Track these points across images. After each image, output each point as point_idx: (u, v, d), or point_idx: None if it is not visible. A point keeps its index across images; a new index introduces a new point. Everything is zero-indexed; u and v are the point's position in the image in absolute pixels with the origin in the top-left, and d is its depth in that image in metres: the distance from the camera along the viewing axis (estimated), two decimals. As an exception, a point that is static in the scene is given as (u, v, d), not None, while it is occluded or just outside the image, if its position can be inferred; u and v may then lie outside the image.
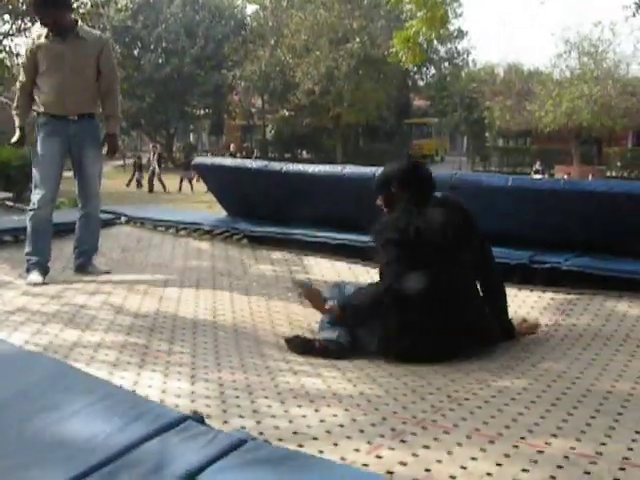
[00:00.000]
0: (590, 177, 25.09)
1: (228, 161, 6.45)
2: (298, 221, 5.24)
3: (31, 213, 4.38)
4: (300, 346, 2.90)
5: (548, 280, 3.94)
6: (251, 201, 5.68)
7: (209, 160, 6.86)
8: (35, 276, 4.19)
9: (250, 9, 39.88)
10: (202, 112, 42.49)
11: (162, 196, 21.70)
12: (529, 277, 4.00)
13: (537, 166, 28.07)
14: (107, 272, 4.50)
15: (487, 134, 38.68)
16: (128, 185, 24.02)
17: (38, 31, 4.47)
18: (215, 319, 3.43)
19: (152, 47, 37.29)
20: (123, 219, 6.25)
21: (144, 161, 26.16)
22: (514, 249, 4.14)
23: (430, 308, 2.80)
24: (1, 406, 1.78)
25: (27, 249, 4.35)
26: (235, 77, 35.03)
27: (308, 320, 3.47)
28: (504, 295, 3.19)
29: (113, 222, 6.14)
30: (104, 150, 4.73)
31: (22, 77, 4.44)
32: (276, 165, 5.50)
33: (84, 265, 4.55)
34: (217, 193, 6.19)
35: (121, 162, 35.07)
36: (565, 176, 25.92)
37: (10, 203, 9.04)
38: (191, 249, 5.29)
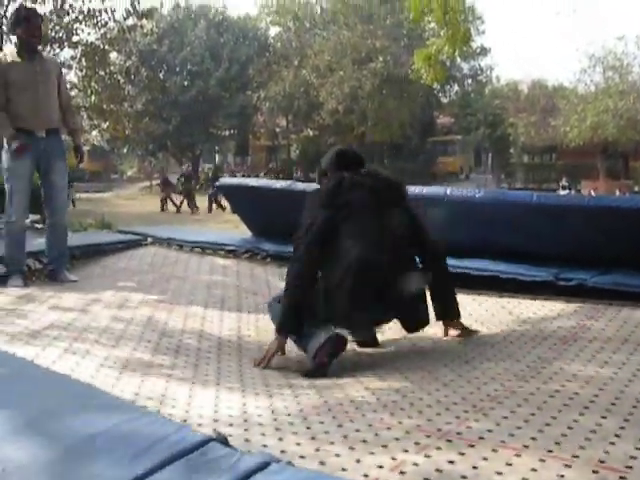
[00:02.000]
0: (617, 192, 24.84)
1: (252, 181, 6.49)
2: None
3: (9, 225, 4.71)
4: (315, 373, 2.89)
5: (574, 297, 3.90)
6: (275, 221, 5.70)
7: (233, 181, 6.91)
8: (17, 281, 4.58)
9: (273, 31, 40.33)
10: (227, 133, 42.90)
11: (189, 216, 21.89)
12: (555, 294, 3.96)
13: (564, 182, 27.87)
14: (75, 281, 4.80)
15: (512, 150, 38.47)
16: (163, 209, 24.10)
17: (6, 51, 4.81)
18: (240, 339, 3.45)
19: (177, 70, 37.83)
20: (149, 240, 6.31)
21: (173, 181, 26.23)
22: (539, 266, 4.11)
23: (360, 273, 2.91)
24: (27, 426, 1.80)
25: (6, 257, 4.72)
26: (260, 98, 35.34)
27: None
28: (444, 272, 3.28)
29: (139, 243, 6.21)
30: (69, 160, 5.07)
31: None
32: (300, 185, 5.52)
33: (55, 273, 4.86)
34: (241, 213, 6.23)
35: (147, 183, 35.46)
36: (592, 191, 25.66)
37: (39, 225, 9.15)
38: (216, 267, 5.34)
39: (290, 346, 3.11)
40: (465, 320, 3.58)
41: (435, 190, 4.79)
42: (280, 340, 3.02)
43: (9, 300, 4.08)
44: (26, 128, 4.64)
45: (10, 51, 4.87)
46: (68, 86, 17.91)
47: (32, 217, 11.20)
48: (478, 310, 3.81)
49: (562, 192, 26.21)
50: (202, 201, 24.57)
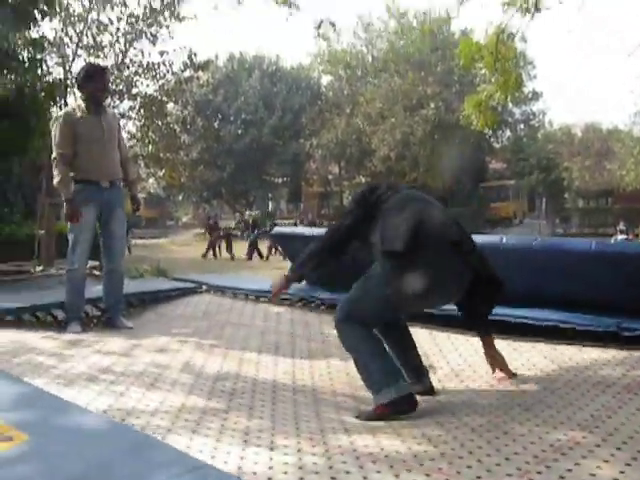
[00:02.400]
0: (678, 236, 24.18)
1: (305, 230, 6.55)
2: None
3: (70, 273, 4.88)
4: (371, 417, 2.86)
5: (638, 347, 3.79)
6: (329, 269, 5.72)
7: (287, 229, 6.99)
8: (75, 327, 4.73)
9: (325, 79, 40.99)
10: (280, 180, 43.48)
11: (242, 263, 22.07)
12: (617, 344, 3.85)
13: (621, 226, 27.26)
14: (131, 327, 4.89)
15: (566, 195, 37.97)
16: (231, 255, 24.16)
17: (73, 105, 4.98)
18: (294, 384, 3.45)
19: (232, 119, 38.68)
20: (204, 287, 6.40)
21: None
22: (601, 315, 4.02)
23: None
24: (82, 479, 1.83)
25: (67, 303, 4.87)
26: (312, 145, 35.78)
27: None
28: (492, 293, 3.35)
29: (194, 291, 6.30)
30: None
31: (59, 149, 4.77)
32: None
33: (112, 320, 4.99)
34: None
35: (201, 230, 36.01)
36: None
37: (97, 272, 9.39)
38: (270, 314, 5.36)
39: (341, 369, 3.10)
40: (522, 366, 3.53)
41: (491, 239, 4.75)
42: (289, 278, 3.35)
43: (64, 345, 4.19)
44: (92, 179, 4.83)
45: (78, 105, 5.09)
46: (127, 136, 18.65)
47: (90, 263, 11.54)
48: (536, 357, 3.73)
49: (620, 237, 25.65)
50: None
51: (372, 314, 3.06)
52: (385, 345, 3.15)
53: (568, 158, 32.98)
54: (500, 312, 4.31)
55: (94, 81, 4.91)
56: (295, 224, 32.75)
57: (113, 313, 5.03)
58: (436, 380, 3.40)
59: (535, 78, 39.39)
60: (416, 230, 2.96)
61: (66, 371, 3.47)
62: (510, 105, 34.77)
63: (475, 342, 4.06)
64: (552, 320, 4.13)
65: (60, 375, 3.38)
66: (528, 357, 3.72)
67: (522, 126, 42.22)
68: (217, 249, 24.49)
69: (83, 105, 4.94)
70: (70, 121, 4.81)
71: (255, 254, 23.43)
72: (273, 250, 23.28)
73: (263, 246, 23.84)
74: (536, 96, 40.17)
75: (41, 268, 11.46)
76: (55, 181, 4.82)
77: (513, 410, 2.79)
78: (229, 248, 24.00)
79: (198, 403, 2.98)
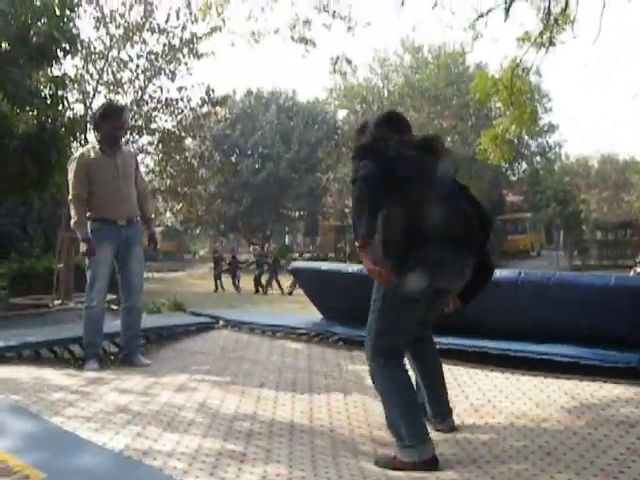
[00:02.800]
0: (699, 269, 23.89)
1: (323, 265, 6.56)
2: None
3: (89, 310, 4.89)
4: (389, 466, 2.83)
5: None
6: (346, 305, 5.71)
7: (305, 264, 7.00)
8: (93, 364, 4.73)
9: (341, 114, 41.24)
10: (297, 214, 43.59)
11: (260, 297, 22.05)
12: (638, 380, 3.80)
13: (639, 258, 26.98)
14: (148, 364, 4.90)
15: (584, 227, 37.76)
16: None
17: (89, 145, 5.07)
18: (312, 423, 3.42)
19: (249, 153, 38.99)
20: (221, 322, 6.40)
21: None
22: (621, 351, 3.97)
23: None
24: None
25: (85, 340, 4.89)
26: (329, 179, 35.89)
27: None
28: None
29: (211, 326, 6.30)
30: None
31: (75, 191, 4.82)
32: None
33: (129, 356, 5.01)
34: (313, 296, 6.27)
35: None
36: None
37: (115, 307, 9.42)
38: (288, 350, 5.34)
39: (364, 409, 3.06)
40: (541, 403, 3.49)
41: (508, 274, 4.72)
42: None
43: (82, 382, 4.18)
44: (109, 218, 4.87)
45: (92, 145, 5.11)
46: (145, 170, 18.84)
47: (108, 297, 11.60)
48: (557, 392, 3.68)
49: (639, 269, 25.38)
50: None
51: (396, 331, 2.98)
52: (417, 379, 3.15)
53: (585, 190, 32.90)
54: (521, 348, 4.30)
55: (111, 121, 4.94)
56: (312, 258, 32.83)
57: (130, 350, 5.04)
58: (455, 415, 3.37)
59: (551, 110, 39.38)
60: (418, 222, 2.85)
61: (83, 409, 3.46)
62: (526, 137, 34.78)
63: (494, 378, 4.03)
64: (572, 356, 4.08)
65: (78, 413, 3.36)
66: (549, 393, 3.68)
67: (538, 158, 42.17)
68: (219, 282, 24.43)
69: (97, 146, 4.97)
70: (84, 163, 4.85)
71: (272, 287, 23.30)
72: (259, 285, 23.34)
73: (283, 279, 23.81)
74: (552, 128, 40.18)
75: (59, 302, 11.55)
76: (72, 222, 4.86)
77: (534, 455, 2.74)
78: (234, 280, 23.89)
79: (215, 444, 2.95)
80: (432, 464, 2.78)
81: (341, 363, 4.79)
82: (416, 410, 2.97)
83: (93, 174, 4.83)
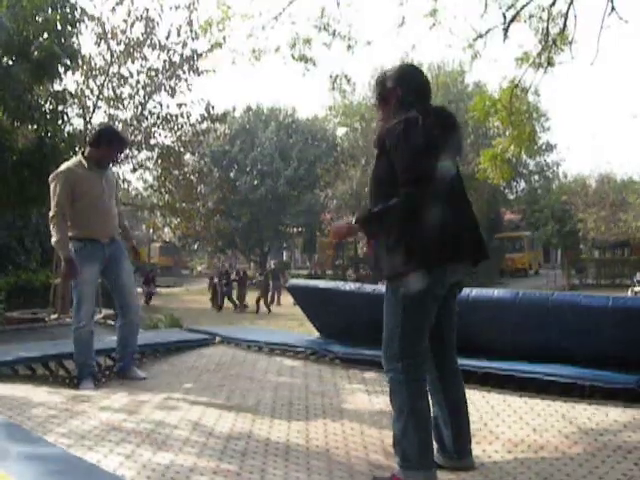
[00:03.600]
0: (696, 289, 23.93)
1: (320, 283, 6.54)
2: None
3: (78, 331, 4.81)
4: None
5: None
6: (344, 323, 5.70)
7: (302, 282, 6.98)
8: (88, 383, 4.71)
9: (341, 131, 41.38)
10: (295, 230, 43.61)
11: (254, 314, 22.00)
12: (637, 401, 3.78)
13: (638, 277, 27.02)
14: (144, 378, 4.94)
15: (582, 246, 37.79)
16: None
17: (74, 162, 4.90)
18: (308, 444, 3.39)
19: (248, 169, 39.05)
20: (217, 339, 6.38)
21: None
22: (619, 372, 3.95)
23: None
24: None
25: (78, 360, 4.85)
26: (327, 196, 35.94)
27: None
28: None
29: (208, 342, 6.27)
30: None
31: (59, 208, 4.64)
32: (368, 287, 5.54)
33: (124, 370, 5.02)
34: (310, 315, 6.25)
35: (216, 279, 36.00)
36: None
37: (112, 322, 9.40)
38: (284, 368, 5.31)
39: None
40: (538, 428, 3.46)
41: (507, 294, 4.72)
42: (355, 228, 2.88)
43: (76, 400, 4.15)
44: (93, 237, 4.81)
45: (79, 160, 4.89)
46: (144, 185, 18.86)
47: (105, 312, 11.57)
48: (554, 416, 3.66)
49: (637, 288, 25.41)
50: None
51: (416, 332, 2.82)
52: (435, 410, 2.98)
53: (583, 209, 32.95)
54: (517, 368, 4.28)
55: (114, 146, 4.94)
56: (309, 275, 32.77)
57: (126, 363, 5.04)
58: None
59: (549, 130, 39.55)
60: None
61: (77, 427, 3.44)
62: (524, 157, 34.89)
63: (491, 399, 4.01)
64: (569, 377, 4.07)
65: (71, 431, 3.35)
66: (546, 417, 3.65)
67: (536, 177, 42.35)
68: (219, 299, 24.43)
69: (85, 162, 4.83)
70: (72, 178, 4.72)
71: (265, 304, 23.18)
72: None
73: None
74: (550, 148, 40.36)
75: (56, 316, 11.51)
76: (53, 240, 4.68)
77: (531, 481, 2.71)
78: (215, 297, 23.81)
79: (210, 463, 2.93)
80: None
81: (337, 382, 4.76)
82: (431, 432, 2.82)
83: (78, 190, 4.72)
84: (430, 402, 2.89)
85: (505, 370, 4.34)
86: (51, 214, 4.69)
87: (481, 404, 3.96)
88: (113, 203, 5.00)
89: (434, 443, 2.88)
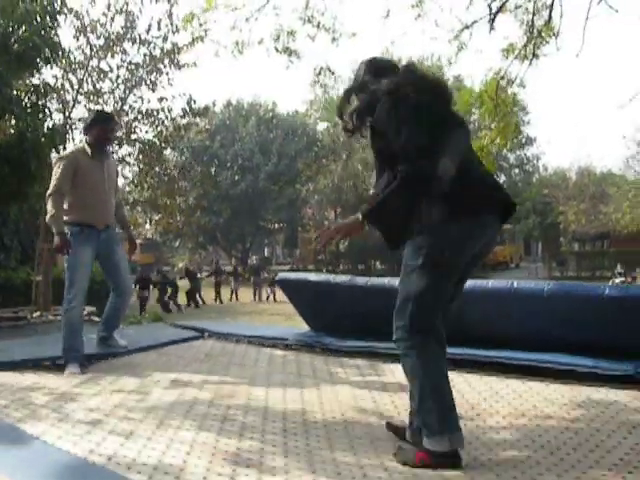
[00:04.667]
0: (676, 279, 24.20)
1: (311, 276, 6.49)
2: (384, 335, 5.16)
3: (68, 312, 4.86)
4: (407, 459, 2.66)
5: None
6: (335, 316, 5.67)
7: (293, 276, 6.92)
8: (74, 368, 4.67)
9: (321, 126, 41.34)
10: (276, 226, 43.49)
11: (239, 308, 21.94)
12: (636, 388, 3.78)
13: (618, 269, 27.29)
14: (126, 346, 5.28)
15: (562, 238, 38.07)
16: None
17: (77, 148, 5.17)
18: (305, 420, 3.38)
19: (228, 165, 38.87)
20: (206, 335, 6.31)
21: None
22: (618, 359, 3.95)
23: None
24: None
25: (65, 344, 4.81)
26: (308, 191, 35.96)
27: (403, 419, 3.37)
28: None
29: (196, 338, 6.21)
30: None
31: (59, 186, 4.82)
32: (360, 280, 5.52)
33: (107, 338, 5.28)
34: (300, 308, 6.21)
35: (198, 275, 35.81)
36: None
37: (96, 318, 9.30)
38: (275, 357, 5.29)
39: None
40: (539, 404, 3.47)
41: (502, 284, 4.70)
42: (360, 225, 2.75)
43: (62, 388, 4.13)
44: (89, 223, 4.93)
45: (82, 147, 5.13)
46: (125, 181, 18.68)
47: (89, 309, 11.45)
48: (554, 394, 3.67)
49: (617, 280, 25.65)
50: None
51: (438, 300, 2.71)
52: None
53: (563, 202, 33.20)
54: (515, 356, 4.28)
55: (100, 126, 5.04)
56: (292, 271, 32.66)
57: (108, 332, 5.29)
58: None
59: (529, 123, 39.74)
60: None
61: (67, 416, 3.41)
62: (505, 150, 35.06)
63: (489, 381, 4.01)
64: (568, 364, 4.07)
65: (61, 420, 3.33)
66: (546, 395, 3.66)
67: (517, 171, 42.60)
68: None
69: (88, 149, 5.02)
70: (73, 162, 4.90)
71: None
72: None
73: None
74: (530, 141, 40.63)
75: (38, 314, 11.38)
76: (48, 216, 4.84)
77: (537, 454, 2.70)
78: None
79: (208, 441, 2.94)
80: (457, 457, 2.60)
81: (331, 369, 4.74)
82: (449, 392, 2.70)
83: (80, 175, 4.88)
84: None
85: (502, 358, 4.33)
86: (49, 192, 4.85)
87: (479, 384, 3.98)
88: (112, 191, 5.14)
89: None
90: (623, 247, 33.64)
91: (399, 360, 2.81)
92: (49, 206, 4.83)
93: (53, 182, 4.88)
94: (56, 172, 4.90)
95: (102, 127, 5.04)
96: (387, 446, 2.90)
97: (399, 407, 3.57)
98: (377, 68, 2.95)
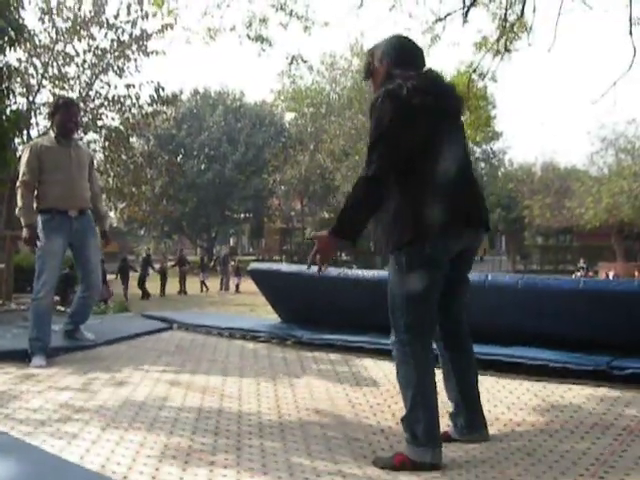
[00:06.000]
0: (637, 274, 24.68)
1: (283, 267, 6.43)
2: (361, 328, 5.13)
3: (36, 302, 4.75)
4: (386, 464, 2.63)
5: (629, 387, 3.73)
6: (307, 307, 5.62)
7: (264, 266, 6.85)
8: (40, 360, 4.53)
9: (289, 116, 41.18)
10: (243, 216, 43.32)
11: (205, 298, 21.81)
12: (608, 383, 3.79)
13: (581, 263, 27.75)
14: (93, 339, 5.16)
15: (525, 232, 38.55)
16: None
17: (42, 137, 5.20)
18: (280, 419, 3.32)
19: (195, 154, 38.57)
20: (175, 326, 6.21)
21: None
22: (590, 354, 3.96)
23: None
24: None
25: (31, 334, 4.69)
26: (275, 181, 35.83)
27: (377, 418, 3.33)
28: None
29: (165, 329, 6.10)
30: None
31: (27, 176, 4.76)
32: (333, 271, 5.46)
33: (73, 331, 5.15)
34: (271, 298, 6.15)
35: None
36: (610, 273, 25.52)
37: (61, 308, 9.13)
38: (247, 350, 5.21)
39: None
40: (512, 407, 3.45)
41: (475, 277, 4.69)
42: (335, 240, 2.74)
43: (35, 379, 4.01)
44: (59, 208, 4.80)
45: (48, 135, 5.14)
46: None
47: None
48: (526, 395, 3.66)
49: (579, 274, 26.08)
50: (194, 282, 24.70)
51: (423, 301, 2.69)
52: (446, 384, 2.94)
53: (529, 196, 33.57)
54: (488, 351, 4.26)
55: (62, 112, 4.96)
56: (258, 261, 32.53)
57: (75, 325, 5.16)
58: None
59: (495, 118, 40.04)
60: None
61: (31, 413, 3.30)
62: (471, 144, 35.32)
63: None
64: (541, 359, 4.07)
65: (28, 416, 3.23)
66: (518, 395, 3.65)
67: (483, 165, 42.94)
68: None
69: (53, 135, 4.97)
70: (37, 150, 4.83)
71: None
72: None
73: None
74: (496, 135, 40.94)
75: (0, 302, 11.12)
76: (17, 209, 4.81)
77: (514, 456, 2.68)
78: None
79: (182, 443, 2.85)
80: (438, 469, 2.59)
81: (303, 363, 4.69)
82: (437, 407, 2.69)
83: (45, 162, 4.81)
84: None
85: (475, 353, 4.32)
86: (17, 184, 4.83)
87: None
88: (83, 177, 4.98)
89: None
90: (586, 242, 34.26)
91: (372, 355, 2.80)
92: (18, 199, 4.80)
93: (20, 173, 4.85)
94: (22, 162, 4.87)
95: (65, 113, 4.96)
96: (363, 445, 2.88)
97: (374, 406, 3.54)
98: (401, 53, 2.89)
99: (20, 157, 5.13)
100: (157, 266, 24.62)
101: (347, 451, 2.83)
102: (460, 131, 2.96)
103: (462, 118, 3.06)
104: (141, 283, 22.45)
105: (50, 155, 4.84)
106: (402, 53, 2.89)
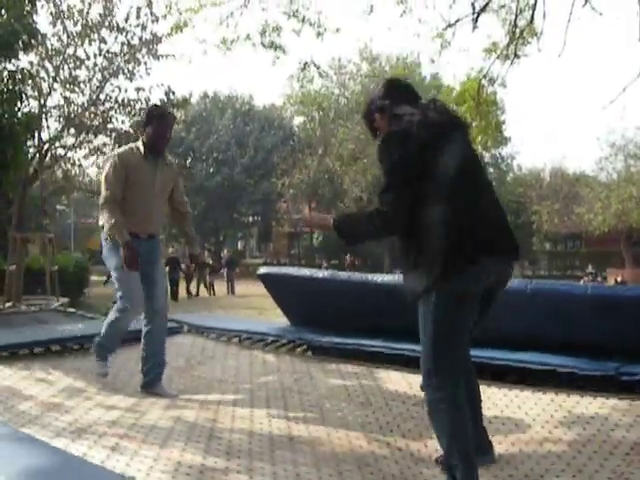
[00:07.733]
0: (646, 281, 24.58)
1: (293, 270, 6.45)
2: (370, 332, 5.14)
3: (120, 313, 4.29)
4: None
5: (636, 393, 3.73)
6: (317, 311, 5.64)
7: (274, 269, 6.88)
8: (103, 368, 4.44)
9: (298, 120, 41.20)
10: (251, 219, 43.30)
11: (214, 302, 21.82)
12: (616, 389, 3.79)
13: (590, 269, 27.65)
14: (174, 396, 4.28)
15: (534, 238, 38.44)
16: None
17: (131, 146, 4.49)
18: (291, 440, 3.31)
19: (204, 157, 38.60)
20: (185, 328, 6.23)
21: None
22: (599, 360, 3.96)
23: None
24: None
25: (103, 340, 4.45)
26: (284, 185, 35.79)
27: (387, 439, 3.32)
28: None
29: (176, 331, 6.12)
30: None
31: (113, 189, 4.24)
32: (342, 275, 5.49)
33: (151, 384, 4.40)
34: (281, 302, 6.17)
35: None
36: (618, 279, 25.42)
37: (72, 309, 9.18)
38: (256, 363, 5.17)
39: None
40: (520, 423, 3.43)
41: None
42: (329, 224, 2.82)
43: (62, 395, 4.03)
44: (133, 231, 4.29)
45: (136, 146, 4.50)
46: (96, 170, 18.39)
47: (62, 300, 11.29)
48: (535, 409, 3.65)
49: (586, 279, 25.96)
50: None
51: (456, 341, 2.71)
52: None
53: (537, 202, 33.50)
54: (497, 356, 4.26)
55: (153, 125, 4.39)
56: (266, 264, 32.54)
57: (152, 379, 4.42)
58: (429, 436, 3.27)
59: (504, 123, 39.93)
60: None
61: (51, 422, 3.33)
62: (480, 149, 35.24)
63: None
64: (550, 364, 4.07)
65: (64, 428, 3.25)
66: (527, 410, 3.64)
67: (491, 170, 42.81)
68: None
69: (142, 148, 4.41)
70: (126, 164, 4.30)
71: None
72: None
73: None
74: (505, 141, 40.81)
75: (10, 304, 11.18)
76: (107, 226, 4.21)
77: (526, 478, 2.67)
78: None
79: (195, 461, 2.85)
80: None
81: (313, 375, 4.67)
82: (472, 448, 2.62)
83: (131, 178, 4.30)
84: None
85: (481, 358, 4.31)
86: (101, 201, 4.29)
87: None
88: (163, 200, 4.53)
89: None
90: (595, 247, 34.12)
91: (383, 362, 2.80)
92: (105, 215, 4.24)
93: (103, 186, 4.30)
94: (106, 174, 4.34)
95: (158, 126, 4.39)
96: (374, 471, 2.88)
97: (383, 427, 3.52)
98: (396, 92, 2.94)
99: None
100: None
101: (358, 476, 2.82)
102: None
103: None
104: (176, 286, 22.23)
105: (136, 172, 4.32)
106: (395, 93, 2.93)
